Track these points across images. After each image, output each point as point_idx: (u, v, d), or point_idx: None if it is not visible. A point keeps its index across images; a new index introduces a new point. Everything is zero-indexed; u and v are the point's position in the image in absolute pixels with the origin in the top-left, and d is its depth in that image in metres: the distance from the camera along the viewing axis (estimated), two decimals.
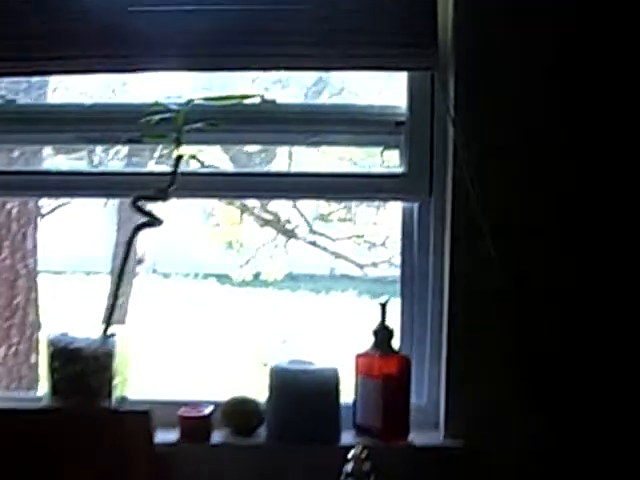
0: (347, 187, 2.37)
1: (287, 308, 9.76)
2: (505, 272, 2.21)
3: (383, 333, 2.28)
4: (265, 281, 8.38)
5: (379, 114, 2.34)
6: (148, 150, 3.96)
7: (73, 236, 10.46)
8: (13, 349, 3.93)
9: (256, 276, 8.19)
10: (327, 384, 2.26)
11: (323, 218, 9.11)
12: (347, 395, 2.32)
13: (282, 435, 2.26)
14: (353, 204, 10.23)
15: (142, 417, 2.22)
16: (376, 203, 8.94)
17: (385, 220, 8.24)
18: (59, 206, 7.79)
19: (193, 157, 2.23)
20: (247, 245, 8.14)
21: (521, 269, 2.24)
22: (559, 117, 2.20)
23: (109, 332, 2.28)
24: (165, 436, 2.29)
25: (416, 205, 2.34)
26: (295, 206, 7.90)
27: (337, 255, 8.19)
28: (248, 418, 2.31)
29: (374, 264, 8.22)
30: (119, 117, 2.35)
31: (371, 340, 2.30)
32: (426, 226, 2.32)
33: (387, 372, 2.25)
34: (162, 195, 2.21)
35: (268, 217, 7.86)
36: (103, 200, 7.58)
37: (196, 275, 10.57)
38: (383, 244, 8.19)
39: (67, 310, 8.88)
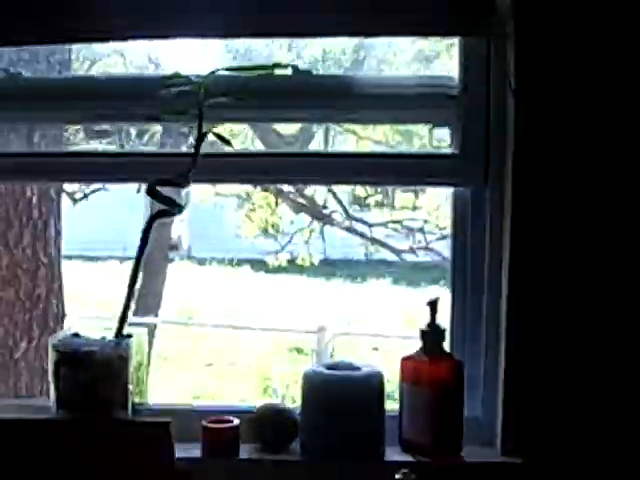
0: (390, 170, 2.04)
1: (322, 294, 9.56)
2: (573, 265, 1.90)
3: (433, 334, 1.96)
4: (301, 266, 8.17)
5: (428, 86, 2.02)
6: (180, 133, 3.69)
7: (107, 221, 10.30)
8: (34, 343, 3.66)
9: (291, 262, 7.99)
10: (370, 392, 1.94)
11: (359, 203, 8.86)
12: (393, 404, 2.02)
13: (318, 451, 1.95)
14: (390, 188, 10.00)
15: (161, 429, 1.93)
16: (416, 187, 8.81)
17: (425, 205, 7.99)
18: (93, 191, 7.59)
19: (218, 136, 1.91)
20: (282, 231, 7.94)
21: (594, 264, 1.92)
22: (631, 89, 1.88)
23: (124, 332, 1.98)
24: (187, 450, 1.99)
25: (470, 190, 2.01)
26: (331, 190, 7.65)
27: (374, 241, 7.96)
28: (282, 430, 2.00)
29: (412, 250, 7.98)
30: (137, 92, 2.04)
31: (418, 342, 1.98)
32: (481, 214, 1.99)
33: (437, 379, 1.93)
34: (182, 180, 1.91)
35: (304, 202, 7.63)
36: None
37: (231, 261, 10.41)
38: (421, 230, 7.95)
39: (97, 300, 8.72)
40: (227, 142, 1.91)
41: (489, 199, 1.99)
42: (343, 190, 8.08)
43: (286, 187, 7.56)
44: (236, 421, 1.98)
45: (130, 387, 1.95)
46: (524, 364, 1.95)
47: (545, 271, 1.92)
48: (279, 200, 7.91)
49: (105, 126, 4.36)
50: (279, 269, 8.32)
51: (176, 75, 1.90)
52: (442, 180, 2.04)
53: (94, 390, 1.92)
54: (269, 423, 2.00)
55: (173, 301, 8.10)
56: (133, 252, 1.95)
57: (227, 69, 1.90)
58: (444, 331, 1.95)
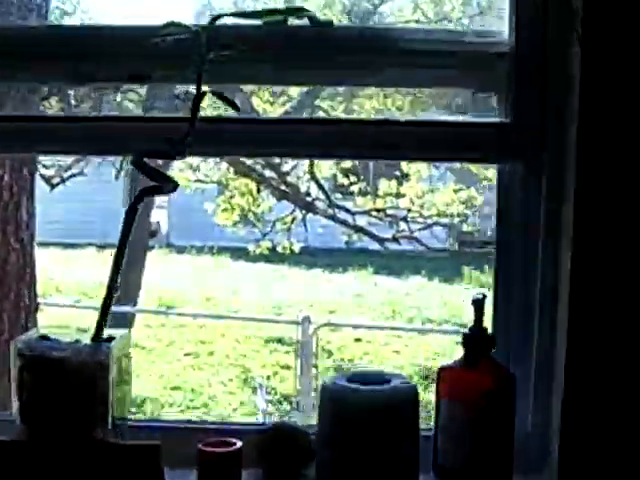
0: (424, 141, 1.64)
1: (304, 283, 9.20)
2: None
3: (478, 340, 1.57)
4: (282, 255, 7.83)
5: (471, 43, 1.63)
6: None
7: (85, 207, 9.89)
8: (4, 336, 3.25)
9: (272, 250, 7.64)
10: (401, 409, 1.56)
11: (342, 191, 8.51)
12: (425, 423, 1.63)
13: (339, 479, 1.56)
14: (371, 175, 9.62)
15: (149, 453, 1.54)
16: (397, 173, 8.43)
17: (409, 193, 7.64)
18: (71, 176, 7.19)
19: (220, 96, 1.51)
20: (263, 218, 7.60)
21: None
22: None
23: (104, 335, 1.58)
24: (181, 478, 1.59)
25: (521, 167, 1.62)
26: (314, 177, 7.30)
27: (357, 229, 7.62)
28: (293, 455, 1.60)
29: (395, 239, 7.65)
30: (121, 45, 1.63)
31: (460, 349, 1.59)
32: (535, 195, 1.60)
33: (483, 394, 1.54)
34: (176, 150, 1.51)
35: (286, 189, 7.27)
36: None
37: (211, 249, 10.03)
38: (405, 219, 7.61)
39: (74, 289, 8.31)
40: (232, 104, 1.52)
41: (546, 176, 1.60)
42: (326, 177, 7.73)
43: (268, 173, 7.19)
44: (238, 443, 1.58)
45: (111, 400, 1.55)
46: (585, 377, 1.56)
47: (615, 265, 1.53)
48: (261, 187, 7.55)
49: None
50: (260, 257, 7.98)
51: (171, 24, 1.50)
52: (490, 153, 1.64)
53: (66, 404, 1.53)
54: (278, 446, 1.61)
55: (152, 290, 7.72)
56: (113, 239, 1.56)
57: (233, 14, 1.51)
58: (493, 337, 1.56)
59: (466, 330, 1.57)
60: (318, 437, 1.58)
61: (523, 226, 1.64)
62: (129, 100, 6.22)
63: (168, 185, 1.53)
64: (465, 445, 1.55)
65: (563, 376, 1.57)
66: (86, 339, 1.57)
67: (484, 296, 1.56)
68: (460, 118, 1.64)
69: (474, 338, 1.56)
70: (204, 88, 1.48)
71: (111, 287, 1.56)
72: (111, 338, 1.59)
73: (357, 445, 1.54)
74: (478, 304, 1.55)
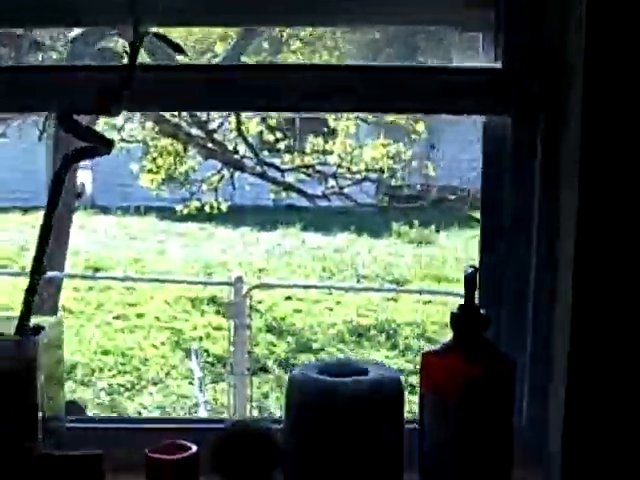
0: (403, 90, 1.36)
1: (232, 242, 8.91)
2: None
3: (470, 321, 1.32)
4: (209, 214, 7.54)
5: None
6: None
7: (8, 171, 9.46)
8: None
9: (199, 209, 7.34)
10: (383, 404, 1.30)
11: (269, 148, 8.22)
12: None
13: None
14: (297, 130, 9.32)
15: (90, 463, 1.27)
16: (324, 129, 8.14)
17: (337, 149, 7.38)
18: None
19: (163, 38, 1.22)
20: (189, 179, 7.29)
21: None
22: None
23: (31, 325, 1.30)
24: None
25: (511, 121, 1.35)
26: (241, 134, 7.01)
27: (286, 186, 7.36)
28: (257, 458, 1.32)
29: (325, 195, 7.40)
30: None
31: (447, 331, 1.33)
32: (530, 150, 1.34)
33: (476, 383, 1.29)
34: (110, 104, 1.22)
35: (213, 147, 6.97)
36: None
37: (137, 209, 9.66)
38: (334, 175, 7.36)
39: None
40: (177, 48, 1.24)
41: (543, 128, 1.34)
42: (252, 135, 7.44)
43: (195, 131, 6.87)
44: (194, 448, 1.31)
45: (40, 403, 1.28)
46: (591, 363, 1.32)
47: (625, 237, 1.29)
48: (188, 146, 7.24)
49: None
50: (187, 217, 7.68)
51: None
52: (479, 104, 1.38)
53: None
54: (239, 448, 1.34)
55: (78, 252, 7.39)
56: (38, 202, 1.27)
57: None
58: (487, 318, 1.30)
59: (454, 309, 1.31)
60: (285, 437, 1.32)
61: (515, 188, 1.39)
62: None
63: (101, 146, 1.24)
64: (456, 445, 1.30)
65: (566, 361, 1.32)
66: (9, 329, 1.29)
67: (476, 269, 1.30)
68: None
69: (464, 318, 1.30)
70: (144, 30, 1.20)
71: (37, 269, 1.27)
72: (39, 328, 1.31)
73: (332, 447, 1.28)
74: (469, 279, 1.30)
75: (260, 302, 6.81)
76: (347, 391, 1.28)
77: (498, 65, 1.34)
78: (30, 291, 1.27)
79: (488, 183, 1.40)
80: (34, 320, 1.31)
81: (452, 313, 1.31)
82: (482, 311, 1.29)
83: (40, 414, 1.27)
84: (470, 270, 1.29)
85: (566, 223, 1.32)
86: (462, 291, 1.30)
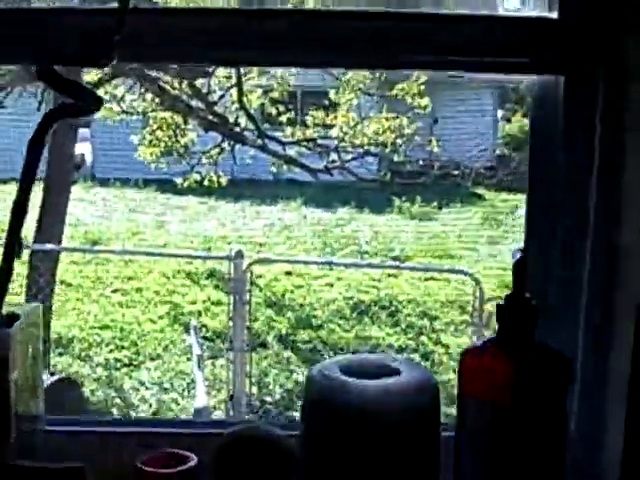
0: (439, 44, 1.14)
1: (232, 215, 8.70)
2: None
3: (519, 315, 1.11)
4: (209, 187, 7.34)
5: None
6: None
7: (6, 140, 9.23)
8: None
9: (199, 183, 7.14)
10: (415, 408, 1.09)
11: (270, 121, 8.02)
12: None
13: None
14: (299, 104, 9.09)
15: (71, 476, 1.06)
16: (326, 102, 7.89)
17: (339, 122, 7.17)
18: None
19: None
20: (189, 151, 7.08)
21: None
22: None
23: (4, 312, 1.09)
24: None
25: (562, 79, 1.14)
26: (243, 106, 6.79)
27: (288, 160, 7.16)
28: (269, 469, 1.10)
29: (327, 169, 7.20)
30: None
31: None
32: (587, 113, 1.11)
33: (525, 388, 1.08)
34: (99, 53, 1.00)
35: (214, 119, 6.76)
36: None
37: (136, 182, 9.44)
38: (336, 149, 7.16)
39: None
40: None
41: (603, 89, 1.12)
42: (254, 108, 7.22)
43: (195, 103, 6.66)
44: (193, 458, 1.10)
45: (13, 403, 1.07)
46: None
47: None
48: (188, 119, 7.05)
49: None
50: (187, 190, 7.49)
51: None
52: (534, 60, 1.15)
53: None
54: (246, 457, 1.13)
55: (76, 224, 7.19)
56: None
57: None
58: (537, 310, 1.09)
59: (502, 301, 1.10)
60: (301, 447, 1.11)
61: (567, 155, 1.17)
62: None
63: (89, 102, 1.03)
64: (499, 456, 1.09)
65: (630, 364, 1.10)
66: None
67: (525, 254, 1.09)
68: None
69: (512, 312, 1.09)
70: None
71: (11, 250, 1.06)
72: (14, 317, 1.10)
73: (356, 458, 1.07)
74: (518, 265, 1.08)
75: (260, 277, 6.62)
76: (376, 394, 1.07)
77: (554, 15, 1.12)
78: (3, 277, 1.05)
79: (536, 158, 1.18)
80: (8, 308, 1.10)
81: (498, 305, 1.09)
82: (534, 304, 1.08)
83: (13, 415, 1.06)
84: (519, 255, 1.08)
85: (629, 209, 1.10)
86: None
